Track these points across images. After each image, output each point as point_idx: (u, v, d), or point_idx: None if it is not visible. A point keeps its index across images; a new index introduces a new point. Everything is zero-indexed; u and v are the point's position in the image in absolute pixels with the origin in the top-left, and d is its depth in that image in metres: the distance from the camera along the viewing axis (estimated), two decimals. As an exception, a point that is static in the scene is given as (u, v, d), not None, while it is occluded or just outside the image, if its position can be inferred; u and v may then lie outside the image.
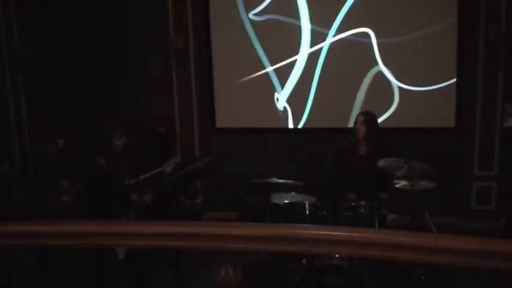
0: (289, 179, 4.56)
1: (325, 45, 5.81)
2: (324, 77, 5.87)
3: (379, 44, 5.68)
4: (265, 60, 5.95)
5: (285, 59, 5.91)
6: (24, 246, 2.18)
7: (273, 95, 6.00)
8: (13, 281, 4.43)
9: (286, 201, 4.41)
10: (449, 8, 5.48)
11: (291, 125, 6.04)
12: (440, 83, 5.63)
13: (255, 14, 5.90)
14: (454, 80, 5.60)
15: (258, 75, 5.99)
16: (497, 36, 5.29)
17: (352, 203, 4.22)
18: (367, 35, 5.69)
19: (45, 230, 1.92)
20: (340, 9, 5.71)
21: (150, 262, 4.07)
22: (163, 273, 4.46)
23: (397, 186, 4.31)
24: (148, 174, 4.16)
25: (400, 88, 5.73)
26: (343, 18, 5.72)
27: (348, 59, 5.79)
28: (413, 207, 4.24)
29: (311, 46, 5.84)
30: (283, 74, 5.93)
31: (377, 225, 4.09)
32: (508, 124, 5.22)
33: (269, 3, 5.84)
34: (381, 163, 4.28)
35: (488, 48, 5.39)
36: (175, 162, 4.35)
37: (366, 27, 5.69)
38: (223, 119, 6.16)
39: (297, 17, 5.80)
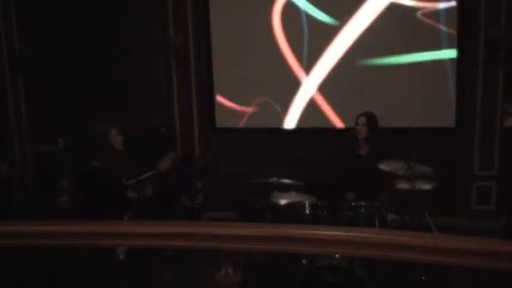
0: (289, 179, 4.55)
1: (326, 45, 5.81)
2: (324, 77, 5.86)
3: (378, 44, 5.68)
4: (265, 60, 5.95)
5: (285, 59, 5.91)
6: (24, 246, 2.18)
7: (274, 95, 6.00)
8: (12, 281, 4.43)
9: (286, 201, 4.41)
10: (449, 8, 5.48)
11: (291, 125, 6.04)
12: (439, 83, 5.63)
13: (256, 14, 5.90)
14: (454, 79, 5.59)
15: (258, 75, 5.98)
16: (497, 36, 5.29)
17: (352, 203, 4.23)
18: (366, 33, 5.70)
19: (45, 230, 1.92)
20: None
21: (150, 262, 4.07)
22: (163, 273, 4.46)
23: (397, 186, 4.31)
24: (148, 174, 4.15)
25: (399, 88, 5.73)
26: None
27: (347, 59, 5.79)
28: (413, 207, 4.24)
29: (312, 45, 5.83)
30: (284, 74, 5.93)
31: (377, 225, 4.10)
32: (508, 124, 5.21)
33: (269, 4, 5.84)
34: (381, 165, 4.28)
35: (488, 48, 5.39)
36: (170, 159, 4.34)
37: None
38: (223, 119, 6.17)
39: (297, 17, 5.80)
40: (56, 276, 4.62)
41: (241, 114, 6.11)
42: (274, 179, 4.49)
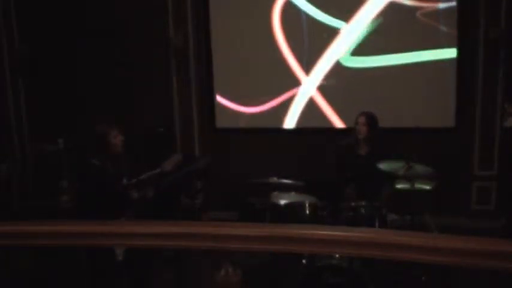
0: (289, 179, 4.55)
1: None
2: (323, 77, 5.86)
3: (378, 44, 5.68)
4: (265, 60, 5.95)
5: (285, 59, 5.91)
6: (24, 246, 2.18)
7: (273, 95, 6.00)
8: (13, 281, 4.43)
9: (286, 201, 4.41)
10: (449, 8, 5.48)
11: (291, 125, 6.04)
12: (440, 83, 5.63)
13: (256, 14, 5.90)
14: (454, 79, 5.60)
15: (258, 75, 5.98)
16: (497, 36, 5.29)
17: (353, 203, 4.23)
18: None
19: (45, 230, 1.92)
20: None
21: (149, 262, 4.07)
22: (163, 273, 4.46)
23: (397, 186, 4.31)
24: (148, 174, 4.16)
25: (399, 88, 5.73)
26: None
27: (347, 59, 5.79)
28: (413, 207, 4.24)
29: (312, 45, 5.83)
30: (284, 74, 5.93)
31: (377, 225, 4.09)
32: (508, 124, 5.22)
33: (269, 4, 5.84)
34: (381, 164, 4.27)
35: (488, 48, 5.39)
36: (175, 161, 4.35)
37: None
38: (223, 119, 6.16)
39: (297, 17, 5.80)
40: (56, 276, 4.62)
41: (241, 114, 6.11)
42: (274, 179, 4.49)
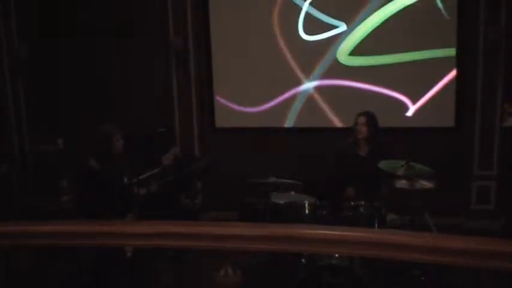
0: (289, 179, 4.55)
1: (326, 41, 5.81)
2: (323, 77, 5.87)
3: (378, 44, 5.68)
4: (265, 60, 5.95)
5: (284, 59, 5.90)
6: (24, 246, 2.18)
7: (273, 95, 6.00)
8: (14, 281, 4.42)
9: (286, 201, 4.41)
10: (449, 8, 5.48)
11: (290, 125, 6.03)
12: (440, 83, 5.63)
13: (256, 15, 5.90)
14: (454, 79, 5.60)
15: (258, 76, 5.98)
16: (497, 36, 5.29)
17: (352, 203, 4.22)
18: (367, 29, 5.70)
19: (45, 230, 1.92)
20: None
21: (152, 261, 4.07)
22: (164, 273, 4.46)
23: (397, 186, 4.30)
24: (148, 174, 4.16)
25: (399, 87, 5.73)
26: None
27: (347, 59, 5.79)
28: (413, 207, 4.24)
29: (311, 45, 5.83)
30: (283, 74, 5.93)
31: (377, 225, 4.09)
32: (508, 124, 5.21)
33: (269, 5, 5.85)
34: (381, 164, 4.27)
35: (488, 48, 5.39)
36: (174, 154, 4.35)
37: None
38: (223, 119, 6.16)
39: (297, 18, 5.80)
40: (60, 274, 4.61)
41: (241, 114, 6.11)
42: (274, 179, 4.49)
